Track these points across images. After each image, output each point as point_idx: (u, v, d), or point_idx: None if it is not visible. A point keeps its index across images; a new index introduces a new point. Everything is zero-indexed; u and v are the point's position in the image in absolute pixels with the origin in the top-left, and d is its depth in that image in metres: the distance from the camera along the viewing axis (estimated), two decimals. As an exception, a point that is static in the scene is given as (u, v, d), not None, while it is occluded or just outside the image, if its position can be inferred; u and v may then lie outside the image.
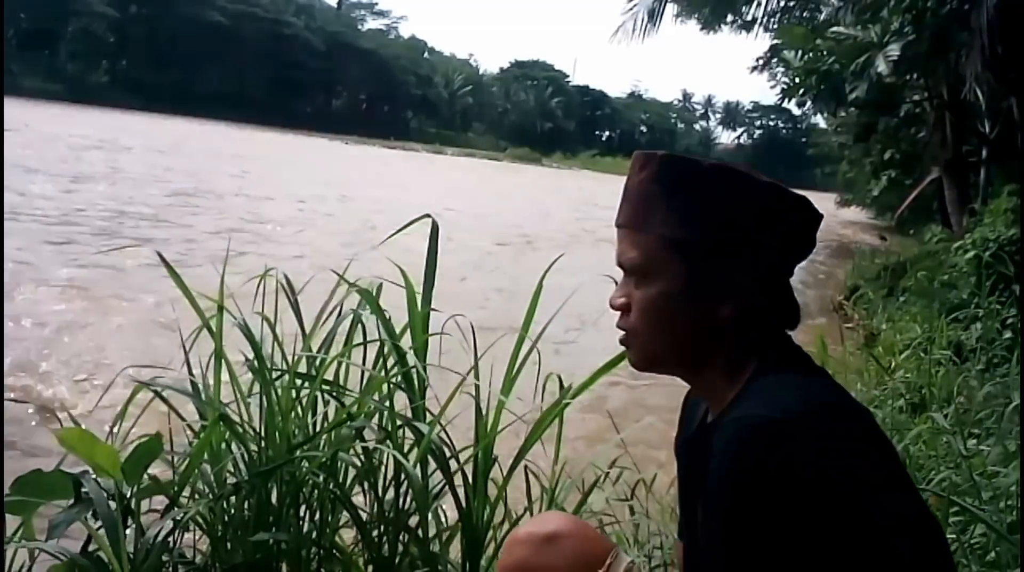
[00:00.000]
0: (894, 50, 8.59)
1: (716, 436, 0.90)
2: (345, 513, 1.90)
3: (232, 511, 1.83)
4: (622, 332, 1.03)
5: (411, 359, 1.87)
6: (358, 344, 1.98)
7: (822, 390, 0.93)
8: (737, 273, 0.94)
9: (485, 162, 52.00)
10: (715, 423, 0.97)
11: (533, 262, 10.58)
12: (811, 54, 10.63)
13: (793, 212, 0.96)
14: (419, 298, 1.92)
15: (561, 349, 4.35)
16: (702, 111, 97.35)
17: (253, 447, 1.83)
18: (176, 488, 1.73)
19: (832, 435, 0.84)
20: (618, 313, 1.03)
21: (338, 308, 1.99)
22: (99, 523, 1.51)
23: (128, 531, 1.58)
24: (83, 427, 1.65)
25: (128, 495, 1.60)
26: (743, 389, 0.94)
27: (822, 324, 7.15)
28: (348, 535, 1.97)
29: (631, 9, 12.20)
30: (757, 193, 0.95)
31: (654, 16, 12.03)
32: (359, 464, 1.90)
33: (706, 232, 0.94)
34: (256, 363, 1.84)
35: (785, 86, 12.53)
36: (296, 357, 1.89)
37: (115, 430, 1.83)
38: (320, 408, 1.95)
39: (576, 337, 4.79)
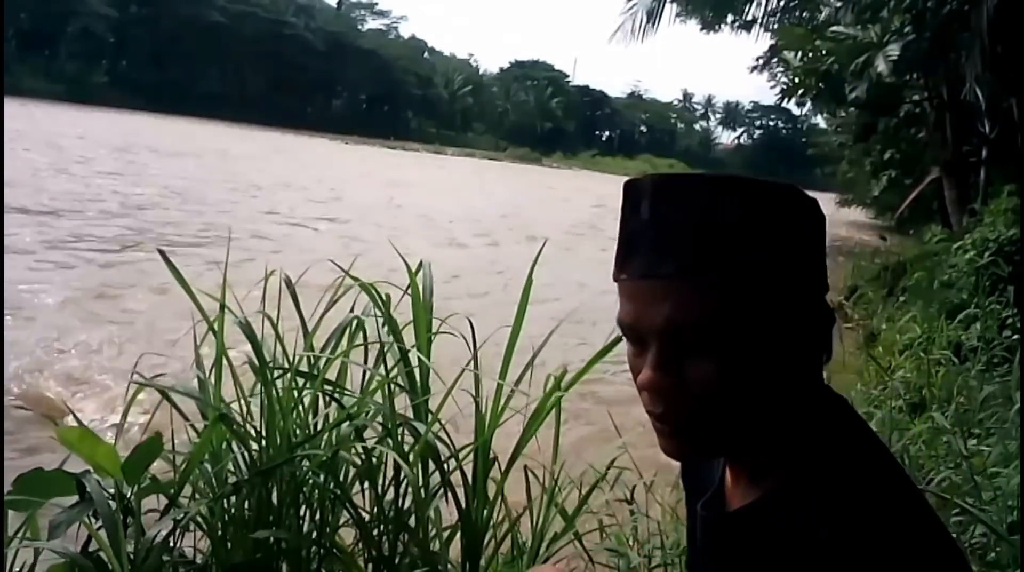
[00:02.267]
0: (894, 50, 8.60)
1: (803, 522, 0.67)
2: (345, 512, 1.90)
3: (232, 510, 1.82)
4: (661, 421, 0.72)
5: (413, 358, 1.87)
6: (359, 345, 1.98)
7: (892, 491, 0.68)
8: (806, 307, 0.71)
9: (487, 162, 52.04)
10: (773, 496, 0.72)
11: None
12: (811, 54, 10.63)
13: (819, 216, 0.74)
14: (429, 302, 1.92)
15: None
16: (702, 111, 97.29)
17: (254, 446, 1.83)
18: (176, 488, 1.73)
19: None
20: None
21: (350, 307, 2.00)
22: (99, 523, 1.51)
23: (128, 531, 1.58)
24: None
25: (128, 495, 1.59)
26: (798, 463, 0.71)
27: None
28: (348, 534, 1.97)
29: (630, 10, 12.20)
30: (802, 202, 0.72)
31: (653, 16, 12.01)
32: (359, 463, 1.90)
33: (781, 261, 0.69)
34: (257, 362, 1.84)
35: (785, 86, 12.55)
36: (296, 356, 1.89)
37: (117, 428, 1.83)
38: (322, 408, 1.95)
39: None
